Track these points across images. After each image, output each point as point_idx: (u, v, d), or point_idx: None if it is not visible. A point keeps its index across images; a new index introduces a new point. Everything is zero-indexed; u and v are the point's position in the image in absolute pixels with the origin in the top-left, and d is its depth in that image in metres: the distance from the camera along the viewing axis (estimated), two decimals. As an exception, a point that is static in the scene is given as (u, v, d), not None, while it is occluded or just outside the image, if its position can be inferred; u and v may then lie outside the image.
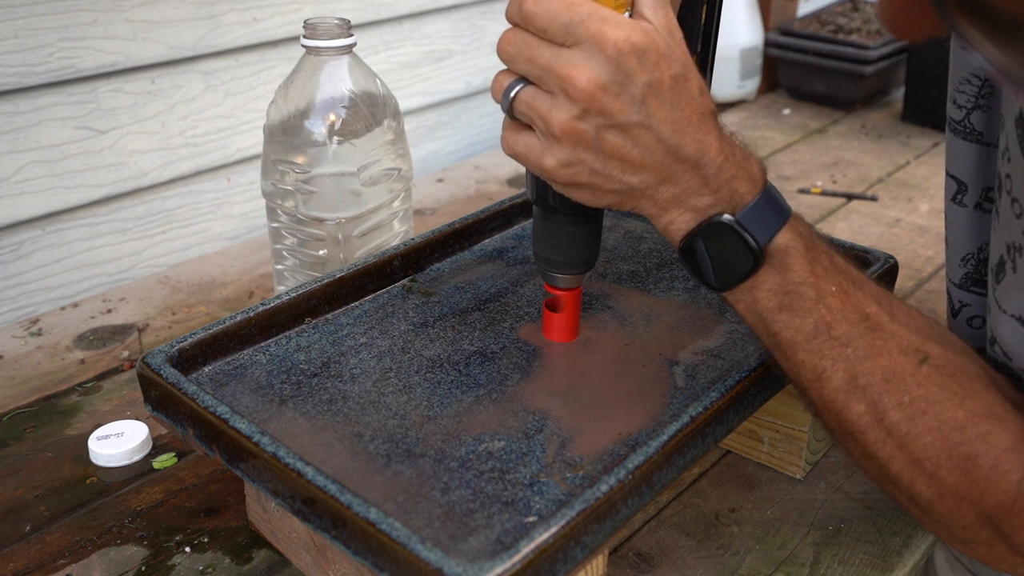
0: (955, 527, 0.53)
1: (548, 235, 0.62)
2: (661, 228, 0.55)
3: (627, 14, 0.53)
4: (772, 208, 0.53)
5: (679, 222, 0.54)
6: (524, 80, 0.52)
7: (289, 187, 0.83)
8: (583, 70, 0.49)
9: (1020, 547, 0.51)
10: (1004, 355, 0.57)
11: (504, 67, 0.53)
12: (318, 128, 0.81)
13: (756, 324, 0.56)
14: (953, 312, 0.70)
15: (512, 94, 0.53)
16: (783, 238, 0.53)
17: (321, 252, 0.85)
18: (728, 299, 0.56)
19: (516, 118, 0.54)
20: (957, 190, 0.67)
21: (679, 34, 0.52)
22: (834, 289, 0.53)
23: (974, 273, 0.68)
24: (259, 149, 1.09)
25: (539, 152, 0.53)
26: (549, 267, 0.63)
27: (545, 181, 0.56)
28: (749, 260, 0.53)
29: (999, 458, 0.50)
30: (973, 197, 0.67)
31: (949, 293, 0.70)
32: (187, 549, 0.65)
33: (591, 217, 0.61)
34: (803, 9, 1.73)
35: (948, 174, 0.68)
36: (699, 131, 0.52)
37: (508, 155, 0.55)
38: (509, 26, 0.52)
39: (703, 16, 0.59)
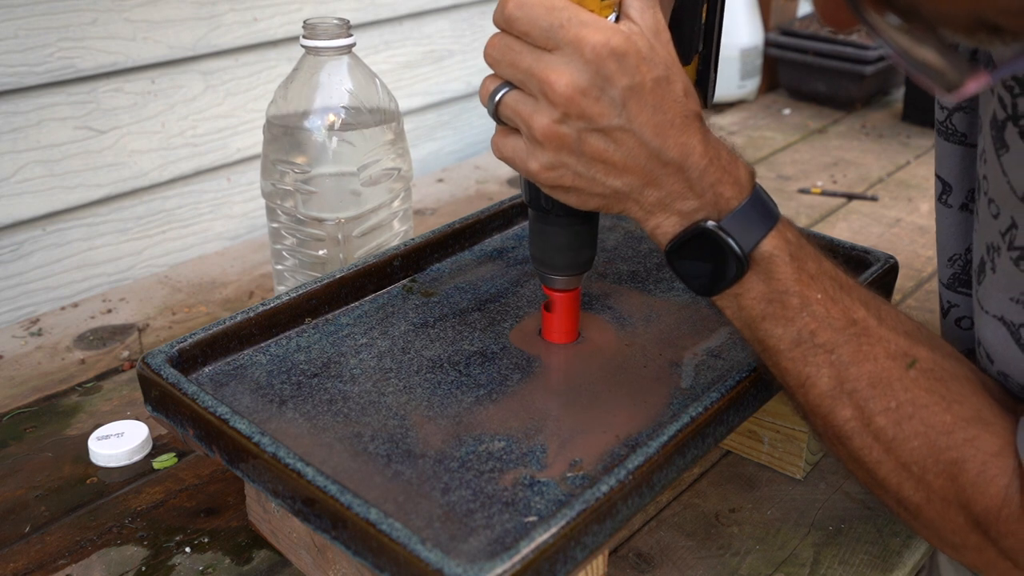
0: (944, 532, 0.53)
1: (542, 237, 0.62)
2: (649, 232, 0.55)
3: (614, 15, 0.53)
4: (759, 213, 0.53)
5: (665, 226, 0.54)
6: (509, 84, 0.53)
7: (289, 187, 0.83)
8: (562, 74, 0.49)
9: (1009, 552, 0.51)
10: (987, 357, 0.57)
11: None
12: (318, 128, 0.81)
13: (743, 329, 0.56)
14: (943, 312, 0.71)
15: (497, 98, 0.53)
16: (769, 244, 0.53)
17: (321, 252, 0.85)
18: (716, 304, 0.56)
19: (503, 122, 0.54)
20: (943, 190, 0.68)
21: (666, 35, 0.52)
22: (820, 296, 0.53)
23: (961, 274, 0.68)
24: (259, 149, 1.08)
25: (524, 156, 0.53)
26: (545, 269, 0.63)
27: None
28: (733, 266, 0.53)
29: (986, 463, 0.50)
30: (958, 198, 0.67)
31: (939, 293, 0.71)
32: (187, 549, 0.65)
33: (585, 219, 0.61)
34: (803, 9, 1.73)
35: (935, 174, 0.68)
36: (682, 134, 0.51)
37: (498, 158, 0.55)
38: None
39: (704, 14, 0.59)
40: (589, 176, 0.53)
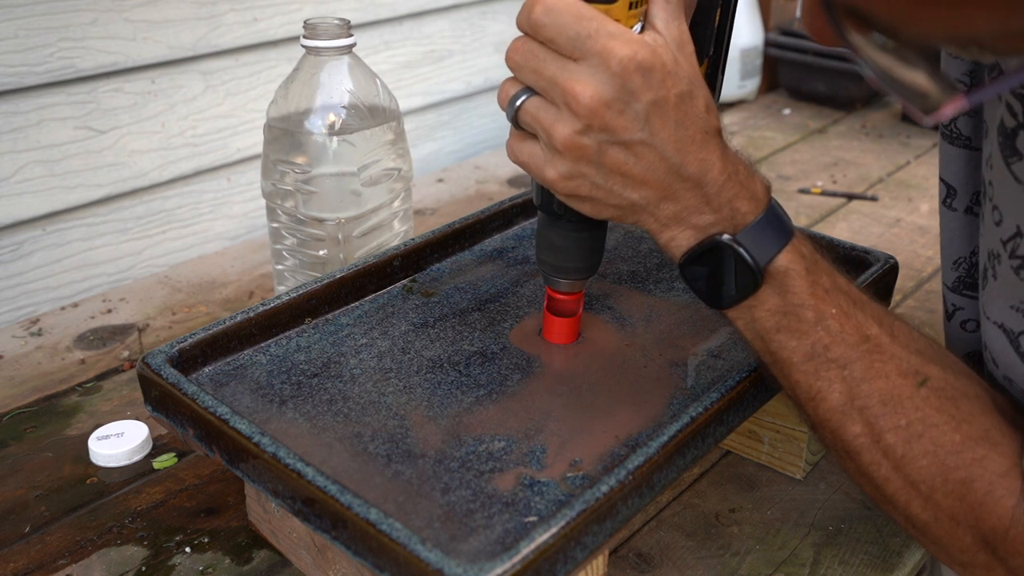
0: (952, 550, 0.53)
1: (551, 241, 0.62)
2: (662, 244, 0.55)
3: (639, 25, 0.53)
4: (774, 228, 0.53)
5: (680, 239, 0.54)
6: (530, 90, 0.52)
7: (289, 187, 0.83)
8: (587, 86, 0.49)
9: (1017, 571, 0.51)
10: (993, 361, 0.57)
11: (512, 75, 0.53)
12: (318, 128, 0.81)
13: (754, 341, 0.56)
14: (948, 315, 0.71)
15: (517, 104, 0.52)
16: (784, 259, 0.53)
17: (321, 252, 0.85)
18: (728, 315, 0.56)
19: (521, 127, 0.54)
20: (947, 194, 0.68)
21: (690, 47, 0.52)
22: (834, 311, 0.53)
23: (966, 277, 0.68)
24: (259, 149, 1.09)
25: (542, 163, 0.53)
26: (551, 272, 0.63)
27: None
28: (749, 280, 0.53)
29: (993, 483, 0.50)
30: (963, 201, 0.67)
31: (944, 296, 0.71)
32: (187, 549, 0.65)
33: (595, 225, 0.61)
34: (803, 9, 1.73)
35: (940, 178, 0.68)
36: (702, 150, 0.51)
37: (513, 162, 0.55)
38: (516, 31, 0.52)
39: (717, 18, 0.59)
40: (607, 187, 0.52)
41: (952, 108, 0.40)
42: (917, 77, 0.40)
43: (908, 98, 0.41)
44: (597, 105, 0.49)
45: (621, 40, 0.49)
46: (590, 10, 0.49)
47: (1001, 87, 0.41)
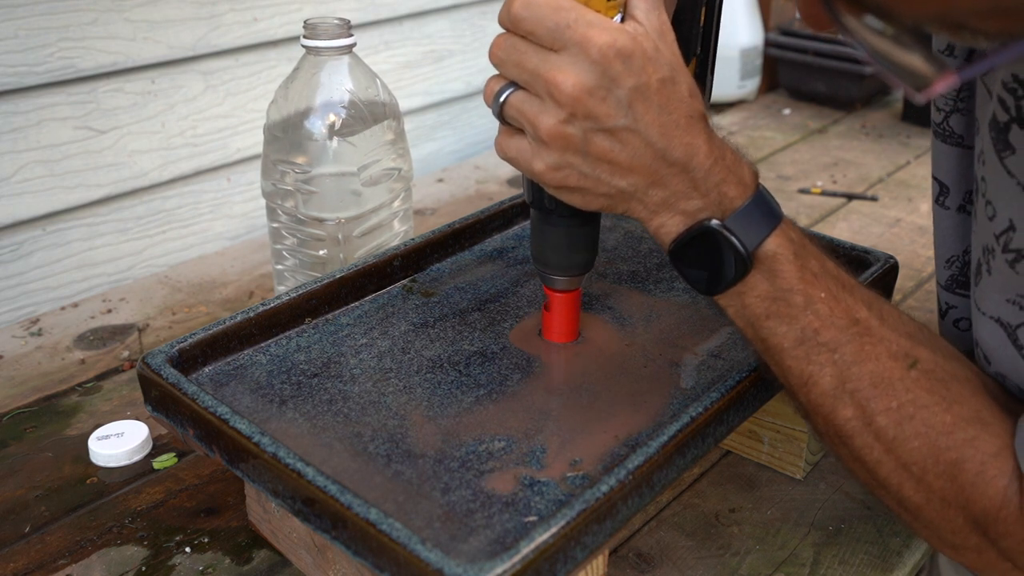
0: (944, 532, 0.53)
1: (544, 237, 0.62)
2: (652, 231, 0.55)
3: (619, 16, 0.53)
4: (762, 213, 0.53)
5: (669, 225, 0.54)
6: (514, 85, 0.53)
7: (289, 187, 0.83)
8: (569, 75, 0.49)
9: (1008, 552, 0.51)
10: (984, 358, 0.57)
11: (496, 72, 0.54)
12: (318, 128, 0.81)
13: (745, 328, 0.56)
14: (941, 313, 0.71)
15: (502, 99, 0.53)
16: (772, 244, 0.53)
17: (321, 252, 0.85)
18: (718, 303, 0.56)
19: (508, 122, 0.54)
20: (940, 192, 0.68)
21: (671, 36, 0.52)
22: (823, 295, 0.53)
23: (959, 275, 0.68)
24: (259, 149, 1.09)
25: (529, 156, 0.53)
26: (546, 269, 0.64)
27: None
28: (737, 265, 0.53)
29: (985, 464, 0.50)
30: (956, 199, 0.67)
31: (937, 295, 0.71)
32: (187, 549, 0.65)
33: (587, 219, 0.61)
34: (803, 9, 1.73)
35: (932, 176, 0.69)
36: (687, 134, 0.52)
37: (502, 159, 0.55)
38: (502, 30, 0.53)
39: (702, 17, 0.59)
40: (594, 176, 0.53)
41: (943, 84, 0.41)
42: (909, 57, 0.41)
43: (901, 76, 0.41)
44: (579, 93, 0.49)
45: (600, 28, 0.49)
46: (568, 1, 0.50)
47: (994, 61, 0.41)
